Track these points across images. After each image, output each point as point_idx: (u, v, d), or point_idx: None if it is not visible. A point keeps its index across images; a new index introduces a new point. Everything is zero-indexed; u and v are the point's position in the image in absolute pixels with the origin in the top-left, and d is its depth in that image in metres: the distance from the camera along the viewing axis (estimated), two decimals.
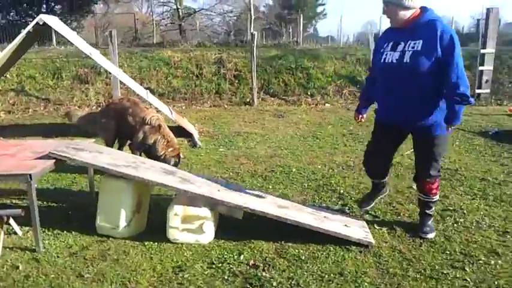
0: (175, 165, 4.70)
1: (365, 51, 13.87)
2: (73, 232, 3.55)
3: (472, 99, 3.12)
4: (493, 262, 3.10)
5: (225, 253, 3.24)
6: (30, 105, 10.01)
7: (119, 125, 4.91)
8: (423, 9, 3.19)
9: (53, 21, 6.47)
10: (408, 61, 3.12)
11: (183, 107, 10.41)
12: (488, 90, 11.30)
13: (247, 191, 3.90)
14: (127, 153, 4.28)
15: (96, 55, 6.76)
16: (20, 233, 3.47)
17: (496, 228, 3.68)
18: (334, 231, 3.31)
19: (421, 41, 3.09)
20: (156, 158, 4.66)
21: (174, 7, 28.21)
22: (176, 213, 3.35)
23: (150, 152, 4.76)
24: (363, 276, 2.94)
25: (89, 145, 3.87)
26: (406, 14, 3.17)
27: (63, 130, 7.27)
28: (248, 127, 8.02)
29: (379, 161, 3.69)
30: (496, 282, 2.85)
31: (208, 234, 3.39)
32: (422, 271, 3.00)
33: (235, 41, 18.37)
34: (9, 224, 3.34)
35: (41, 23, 6.23)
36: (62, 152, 3.45)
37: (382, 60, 3.29)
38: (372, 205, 3.92)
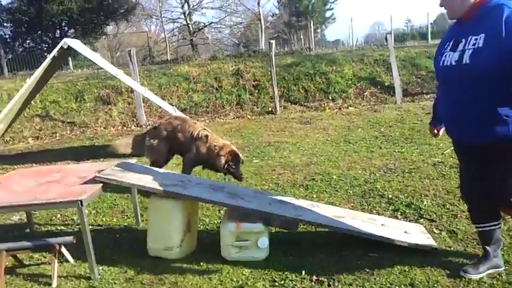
0: (233, 164, 4.64)
1: (381, 52, 13.74)
2: (125, 256, 3.47)
3: None
4: None
5: (285, 269, 3.11)
6: (56, 130, 10.06)
7: (171, 146, 4.88)
8: None
9: (77, 45, 6.51)
10: (468, 62, 2.53)
11: (207, 121, 10.35)
12: None
13: (299, 202, 3.76)
14: (173, 172, 4.20)
15: (121, 75, 6.75)
16: (71, 260, 3.40)
17: None
18: (397, 240, 3.16)
19: (483, 35, 2.47)
20: (214, 164, 4.66)
21: (184, 23, 28.42)
22: (230, 230, 3.24)
23: (208, 163, 4.75)
24: (435, 285, 2.79)
25: (133, 166, 3.79)
26: (466, 1, 2.57)
27: (94, 152, 7.27)
28: (277, 136, 7.91)
29: (468, 188, 2.89)
30: None
31: (263, 250, 3.28)
32: (498, 276, 2.83)
33: (248, 52, 18.36)
34: (61, 252, 3.28)
35: (65, 47, 6.27)
36: (108, 175, 3.39)
37: (441, 64, 2.72)
38: (479, 274, 2.84)
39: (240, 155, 4.76)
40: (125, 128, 10.17)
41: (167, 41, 25.17)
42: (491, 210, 2.84)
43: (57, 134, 9.85)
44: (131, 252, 3.54)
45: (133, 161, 4.05)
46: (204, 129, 4.88)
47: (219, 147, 4.67)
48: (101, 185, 3.32)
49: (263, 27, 25.66)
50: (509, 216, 3.12)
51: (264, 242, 3.24)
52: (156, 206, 3.43)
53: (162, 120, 5.13)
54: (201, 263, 3.26)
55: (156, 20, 29.88)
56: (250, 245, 3.25)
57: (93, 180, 3.37)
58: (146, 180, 3.43)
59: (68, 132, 10.00)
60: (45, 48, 20.02)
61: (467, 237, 3.42)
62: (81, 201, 3.00)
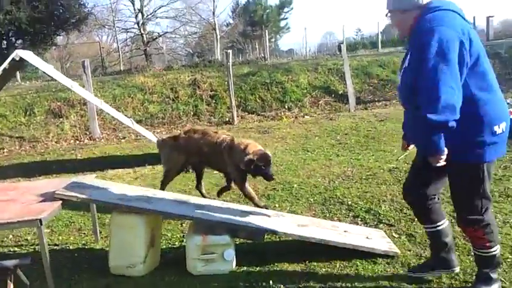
0: (262, 164, 4.10)
1: (335, 61, 14.11)
2: (85, 275, 3.35)
3: (436, 117, 2.26)
4: None
5: (252, 280, 3.11)
6: (4, 145, 9.59)
7: (187, 160, 4.80)
8: (426, 7, 2.48)
9: (30, 56, 6.27)
10: (400, 82, 2.61)
11: (164, 132, 10.22)
12: None
13: (262, 212, 3.79)
14: (135, 187, 4.11)
15: (76, 87, 6.56)
16: (27, 283, 3.23)
17: (511, 224, 3.71)
18: (361, 246, 3.24)
19: (409, 55, 2.49)
20: (249, 164, 4.12)
21: (137, 33, 28.00)
22: (196, 244, 3.21)
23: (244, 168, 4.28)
24: None
25: (92, 181, 3.69)
26: (406, 19, 2.55)
27: (46, 168, 7.00)
28: None
29: (408, 186, 2.98)
30: None
31: (229, 263, 3.26)
32: (456, 276, 2.96)
33: (203, 62, 18.32)
34: (16, 275, 3.11)
35: (17, 59, 6.01)
36: (67, 192, 3.28)
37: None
38: (424, 274, 2.97)
39: (268, 153, 4.23)
40: (78, 142, 9.85)
41: (120, 51, 24.65)
42: (431, 212, 2.86)
43: (5, 150, 9.39)
44: (91, 271, 3.42)
45: (93, 176, 3.93)
46: (228, 135, 4.66)
47: (244, 145, 4.31)
48: (60, 202, 3.20)
49: (218, 37, 25.71)
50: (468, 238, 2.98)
51: (230, 254, 3.23)
52: (118, 221, 3.34)
53: (181, 134, 4.96)
54: (166, 279, 3.20)
55: (108, 29, 29.30)
56: (216, 257, 3.22)
57: (51, 198, 3.25)
58: (109, 196, 3.35)
59: (17, 147, 9.56)
60: None
61: (425, 240, 3.53)
62: (40, 220, 2.88)
